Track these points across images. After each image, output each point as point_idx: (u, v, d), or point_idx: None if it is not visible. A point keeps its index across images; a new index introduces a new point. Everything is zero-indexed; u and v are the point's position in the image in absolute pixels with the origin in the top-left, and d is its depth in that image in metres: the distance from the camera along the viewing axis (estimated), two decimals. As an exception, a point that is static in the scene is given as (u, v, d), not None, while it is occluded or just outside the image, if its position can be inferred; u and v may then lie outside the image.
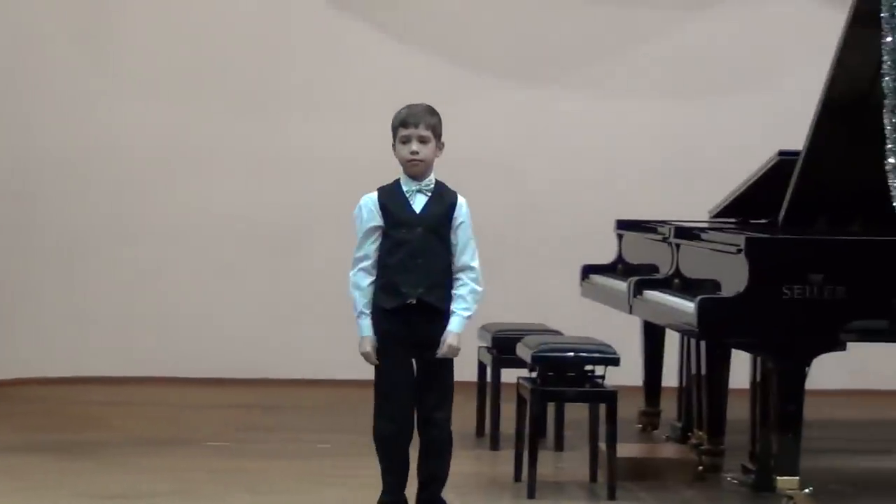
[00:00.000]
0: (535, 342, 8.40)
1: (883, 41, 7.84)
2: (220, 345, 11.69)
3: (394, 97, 11.21)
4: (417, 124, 7.17)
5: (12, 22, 11.43)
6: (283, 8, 11.92)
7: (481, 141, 11.37)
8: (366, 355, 7.11)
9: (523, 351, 8.44)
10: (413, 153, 7.11)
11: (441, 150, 7.20)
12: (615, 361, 8.26)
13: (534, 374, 8.27)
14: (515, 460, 8.26)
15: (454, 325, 7.10)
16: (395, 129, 7.26)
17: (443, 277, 7.11)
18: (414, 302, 7.02)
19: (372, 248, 7.17)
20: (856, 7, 7.99)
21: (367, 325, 7.12)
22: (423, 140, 7.12)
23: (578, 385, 8.23)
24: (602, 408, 8.15)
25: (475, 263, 7.20)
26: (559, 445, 9.16)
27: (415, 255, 7.07)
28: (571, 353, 8.26)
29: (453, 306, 7.12)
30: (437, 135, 7.18)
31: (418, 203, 7.12)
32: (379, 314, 7.11)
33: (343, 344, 11.40)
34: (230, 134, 11.85)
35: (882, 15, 7.85)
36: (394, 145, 7.25)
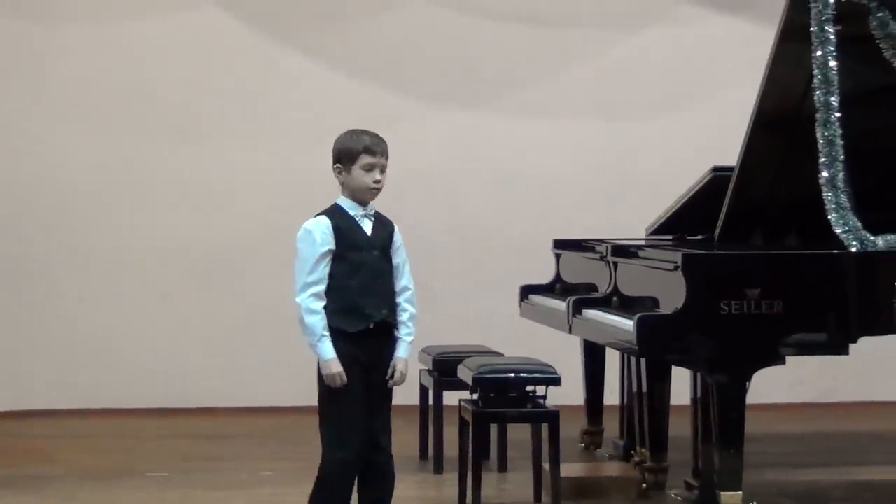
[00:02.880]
0: (476, 364, 8.41)
1: (813, 55, 7.95)
2: (162, 375, 11.67)
3: (328, 124, 11.24)
4: (383, 153, 7.14)
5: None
6: (215, 37, 11.92)
7: (417, 164, 11.38)
8: (337, 375, 6.93)
9: (464, 373, 8.46)
10: (376, 182, 7.07)
11: None
12: (556, 381, 8.28)
13: (475, 396, 8.29)
14: (459, 483, 8.24)
15: (402, 351, 7.10)
16: (356, 155, 7.11)
17: (395, 299, 7.13)
18: (374, 325, 7.00)
19: (325, 272, 7.06)
20: (786, 22, 8.06)
21: (330, 347, 6.96)
22: (384, 169, 7.10)
23: (520, 406, 8.26)
24: (544, 428, 8.16)
25: (412, 285, 7.22)
26: (503, 467, 9.15)
27: (375, 276, 7.05)
28: (512, 374, 8.29)
29: (399, 332, 7.11)
30: None
31: (367, 227, 7.10)
32: (337, 337, 6.97)
33: (283, 371, 11.51)
34: (165, 164, 11.86)
35: (812, 29, 7.96)
36: (344, 169, 7.14)
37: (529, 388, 8.25)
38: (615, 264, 8.66)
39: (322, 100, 11.88)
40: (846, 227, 7.78)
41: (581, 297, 8.89)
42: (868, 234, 7.77)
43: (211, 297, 11.83)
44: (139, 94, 11.82)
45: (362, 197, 7.07)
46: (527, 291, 9.86)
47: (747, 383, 7.63)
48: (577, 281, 9.47)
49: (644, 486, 8.62)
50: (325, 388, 7.04)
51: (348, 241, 7.05)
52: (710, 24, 11.76)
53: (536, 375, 8.27)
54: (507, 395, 8.25)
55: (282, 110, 11.96)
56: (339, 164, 7.13)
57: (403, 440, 9.44)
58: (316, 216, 7.14)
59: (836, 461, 9.71)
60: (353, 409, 6.98)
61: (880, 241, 7.76)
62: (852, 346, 7.76)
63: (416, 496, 8.66)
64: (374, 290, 7.04)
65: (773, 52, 8.10)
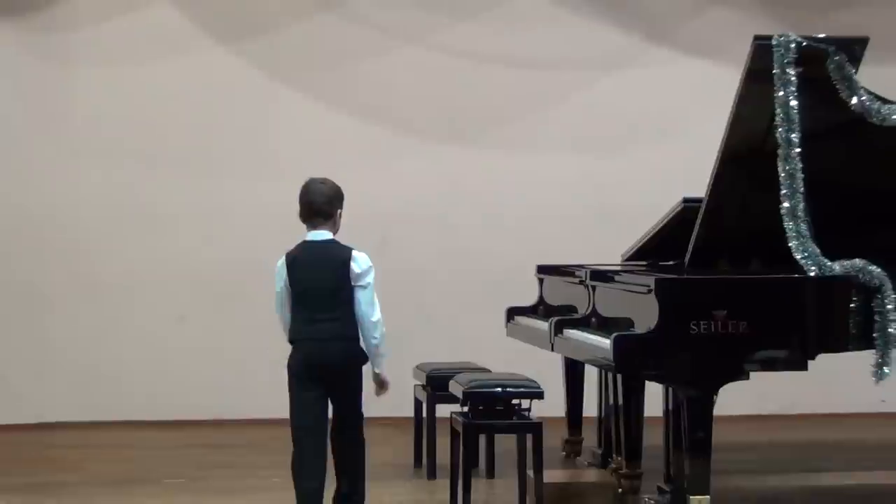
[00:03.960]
0: (466, 379, 8.48)
1: (776, 95, 7.99)
2: (174, 389, 11.68)
3: (327, 158, 11.45)
4: None
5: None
6: (222, 80, 11.94)
7: (410, 195, 11.45)
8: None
9: (455, 388, 8.51)
10: None
11: None
12: (539, 395, 8.35)
13: (465, 409, 8.33)
14: (451, 488, 8.29)
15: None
16: (343, 202, 7.91)
17: None
18: None
19: None
20: (750, 64, 8.09)
21: None
22: None
23: (507, 418, 8.31)
24: (529, 438, 8.20)
25: None
26: (490, 473, 9.22)
27: None
28: (499, 389, 8.35)
29: None
30: None
31: None
32: None
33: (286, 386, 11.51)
34: (175, 196, 11.86)
35: (774, 72, 8.00)
36: (340, 214, 7.84)
37: (515, 401, 8.30)
38: (593, 287, 8.68)
39: (322, 136, 11.92)
40: (805, 254, 7.83)
41: (562, 317, 8.88)
42: (826, 261, 7.80)
43: (221, 319, 11.85)
44: (151, 131, 11.86)
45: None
46: (512, 313, 9.88)
47: (714, 397, 7.64)
48: (558, 303, 9.51)
49: (620, 491, 8.64)
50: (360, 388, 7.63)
51: None
52: (680, 66, 11.84)
53: (521, 390, 8.34)
54: (494, 407, 8.30)
55: (283, 146, 11.97)
56: (340, 208, 7.80)
57: (399, 449, 9.63)
58: (358, 251, 7.65)
59: (796, 468, 9.77)
60: None
61: (837, 267, 7.79)
62: (811, 363, 7.78)
63: (410, 500, 8.75)
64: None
65: (739, 92, 8.12)
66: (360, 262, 7.60)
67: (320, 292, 7.65)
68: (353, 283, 7.60)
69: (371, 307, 7.63)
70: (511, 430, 8.37)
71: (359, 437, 7.75)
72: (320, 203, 7.77)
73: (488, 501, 8.61)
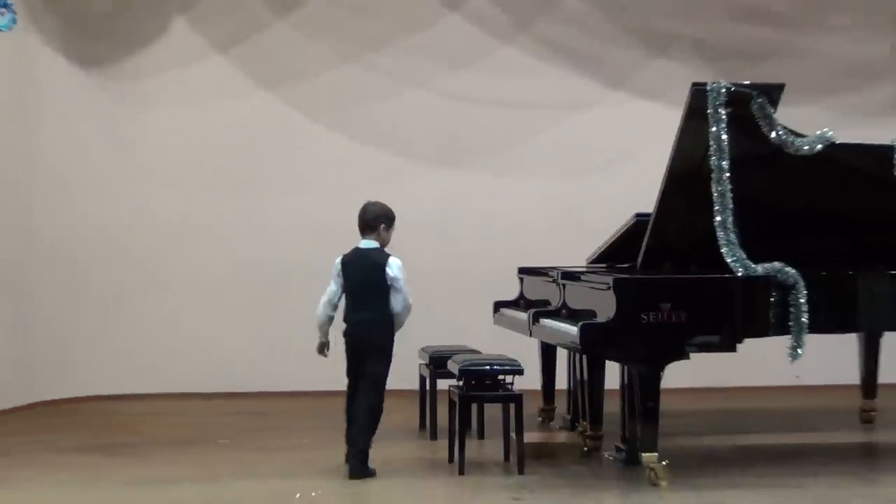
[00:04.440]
0: (462, 359, 8.50)
1: (710, 130, 8.06)
2: (225, 367, 11.67)
3: (346, 181, 11.51)
4: None
5: (63, 128, 11.48)
6: (263, 115, 11.91)
7: (416, 209, 11.33)
8: None
9: (453, 366, 8.54)
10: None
11: None
12: (520, 372, 8.39)
13: (461, 383, 8.36)
14: (449, 447, 8.34)
15: None
16: (392, 219, 8.37)
17: None
18: None
19: None
20: (689, 105, 8.14)
21: None
22: None
23: (494, 390, 8.34)
24: (511, 406, 8.20)
25: None
26: (481, 435, 9.20)
27: None
28: (488, 367, 8.38)
29: None
30: None
31: None
32: None
33: (314, 364, 11.52)
34: (226, 210, 11.86)
35: (708, 111, 8.07)
36: (383, 229, 8.32)
37: (500, 377, 8.33)
38: (564, 285, 8.72)
39: (343, 163, 11.94)
40: (734, 258, 7.91)
41: (538, 309, 8.94)
42: (751, 263, 7.89)
43: (260, 309, 11.83)
44: (206, 159, 11.87)
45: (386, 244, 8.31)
46: (498, 306, 9.91)
47: (661, 373, 7.75)
48: (535, 298, 9.50)
49: (585, 449, 8.71)
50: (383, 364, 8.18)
51: None
52: (633, 107, 11.87)
53: (505, 367, 8.37)
54: (484, 382, 8.33)
55: (312, 171, 11.97)
56: (383, 224, 8.23)
57: (407, 415, 9.63)
58: (392, 255, 8.21)
59: (727, 430, 9.82)
60: None
61: (759, 269, 7.89)
62: (739, 346, 7.86)
63: (416, 457, 8.75)
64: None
65: (680, 128, 8.18)
66: (393, 266, 8.18)
67: (362, 288, 8.24)
68: (388, 283, 8.13)
69: (400, 300, 8.21)
70: (497, 400, 8.37)
71: (373, 402, 8.10)
72: (368, 219, 8.30)
73: (479, 458, 8.55)
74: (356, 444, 8.09)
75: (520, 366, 8.45)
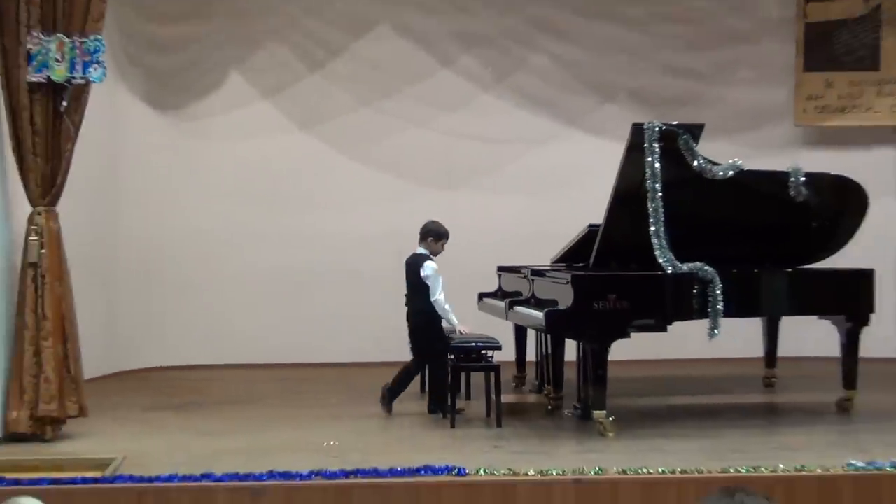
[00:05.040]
0: (454, 338, 8.51)
1: (646, 160, 8.08)
2: (267, 343, 11.63)
3: (364, 198, 11.49)
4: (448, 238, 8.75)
5: (143, 157, 11.47)
6: (299, 147, 11.89)
7: (416, 222, 11.29)
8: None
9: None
10: (442, 251, 8.75)
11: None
12: (499, 347, 8.43)
13: (452, 357, 8.41)
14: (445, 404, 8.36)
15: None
16: (440, 235, 8.70)
17: None
18: None
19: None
20: (630, 140, 8.15)
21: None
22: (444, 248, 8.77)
23: (478, 362, 8.37)
24: (492, 375, 8.23)
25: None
26: (468, 397, 9.15)
27: None
28: (474, 344, 8.40)
29: None
30: None
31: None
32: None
33: (339, 341, 11.51)
34: (271, 221, 11.82)
35: (645, 145, 8.09)
36: (430, 241, 8.68)
37: (484, 351, 8.37)
38: (532, 280, 8.73)
39: (361, 185, 11.90)
40: (665, 259, 7.93)
41: (513, 299, 8.98)
42: (678, 263, 7.90)
43: (296, 299, 11.80)
44: (255, 181, 11.84)
45: (437, 253, 8.74)
46: (482, 296, 9.94)
47: (608, 348, 7.76)
48: (510, 290, 9.51)
49: (549, 408, 8.74)
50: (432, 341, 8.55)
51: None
52: (587, 141, 11.83)
53: (488, 344, 8.40)
54: (470, 355, 8.37)
55: (336, 191, 11.92)
56: (431, 237, 8.59)
57: (413, 383, 9.59)
58: (429, 260, 8.59)
59: (660, 393, 9.82)
60: None
61: (685, 267, 7.89)
62: (669, 327, 7.94)
63: (418, 412, 8.76)
64: None
65: (623, 157, 8.20)
66: (425, 268, 8.56)
67: (410, 284, 8.73)
68: (423, 280, 8.46)
69: (433, 293, 8.51)
70: (481, 369, 8.38)
71: (440, 368, 8.57)
72: (421, 232, 8.81)
73: (467, 414, 8.55)
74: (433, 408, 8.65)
75: (498, 343, 8.47)
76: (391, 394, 8.70)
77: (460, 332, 8.51)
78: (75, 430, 7.90)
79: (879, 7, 11.62)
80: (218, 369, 11.36)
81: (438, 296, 8.49)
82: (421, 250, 8.70)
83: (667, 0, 12.12)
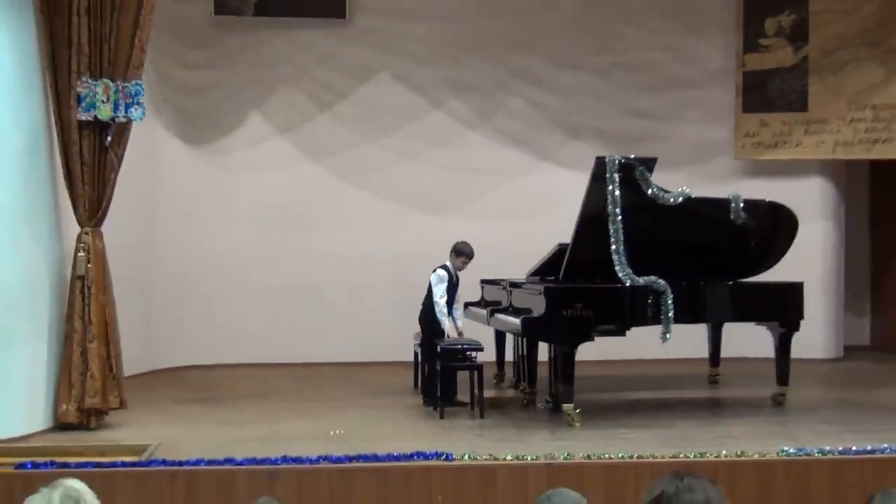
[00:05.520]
0: (442, 341, 8.47)
1: (608, 188, 8.09)
2: (283, 344, 11.54)
3: (367, 221, 11.45)
4: (471, 257, 8.70)
5: (177, 186, 11.43)
6: (312, 177, 11.82)
7: (412, 242, 11.44)
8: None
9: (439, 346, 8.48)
10: (463, 267, 8.71)
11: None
12: (481, 349, 8.39)
13: (446, 357, 8.36)
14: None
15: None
16: (464, 254, 8.67)
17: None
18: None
19: (444, 289, 8.56)
20: (594, 172, 8.16)
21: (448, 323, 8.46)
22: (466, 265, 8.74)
23: (464, 361, 8.32)
24: (475, 373, 8.22)
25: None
26: (455, 392, 8.98)
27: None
28: (460, 346, 8.37)
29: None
30: None
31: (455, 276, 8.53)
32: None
33: (344, 345, 11.44)
34: (285, 241, 11.72)
35: (606, 175, 8.10)
36: (452, 256, 8.70)
37: (468, 352, 8.33)
38: (511, 291, 8.76)
39: (364, 210, 11.84)
40: (624, 273, 7.94)
41: (494, 307, 8.99)
42: (636, 277, 7.92)
43: (309, 309, 11.68)
44: (272, 205, 11.74)
45: (459, 269, 8.70)
46: (468, 305, 9.79)
47: (575, 350, 7.77)
48: (492, 299, 9.48)
49: (525, 402, 8.74)
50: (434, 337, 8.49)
51: (452, 281, 8.51)
52: (558, 172, 11.78)
53: (471, 346, 8.36)
54: (457, 356, 8.33)
55: (342, 214, 11.83)
56: (453, 253, 8.61)
57: (406, 381, 9.58)
58: (440, 268, 8.64)
59: (620, 388, 9.78)
60: None
61: (641, 280, 7.91)
62: (628, 332, 7.95)
63: (412, 405, 8.73)
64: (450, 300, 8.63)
65: (588, 186, 8.21)
66: (433, 274, 8.53)
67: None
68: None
69: (434, 295, 8.56)
70: (466, 369, 8.35)
71: (434, 363, 8.49)
72: (451, 248, 8.77)
73: (454, 408, 8.50)
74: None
75: (480, 345, 8.43)
76: (428, 393, 8.64)
77: (448, 336, 8.46)
78: (116, 420, 7.89)
79: (807, 58, 11.66)
80: (239, 368, 11.26)
81: (438, 298, 8.47)
82: (445, 262, 8.72)
83: (626, 52, 12.12)
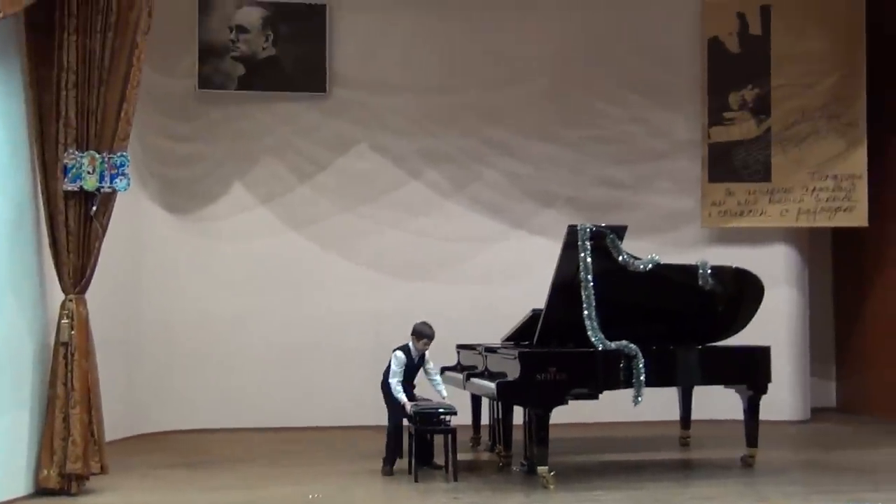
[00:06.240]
0: (417, 405, 8.40)
1: (580, 255, 8.11)
2: (266, 410, 11.48)
3: (347, 288, 11.42)
4: (432, 338, 8.53)
5: (162, 253, 11.39)
6: (291, 245, 11.82)
7: (391, 306, 11.41)
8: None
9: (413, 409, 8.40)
10: (425, 348, 8.54)
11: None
12: (455, 413, 8.28)
13: (420, 421, 8.29)
14: (409, 463, 8.26)
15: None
16: (424, 335, 8.51)
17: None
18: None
19: (400, 371, 8.43)
20: (566, 240, 8.18)
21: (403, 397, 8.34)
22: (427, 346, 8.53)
23: (438, 425, 8.26)
24: (449, 437, 8.12)
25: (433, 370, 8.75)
26: (432, 455, 8.92)
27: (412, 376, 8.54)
28: (433, 410, 8.29)
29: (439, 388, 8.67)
30: None
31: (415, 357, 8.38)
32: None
33: (327, 409, 11.34)
34: (267, 303, 11.68)
35: (578, 243, 8.13)
36: (413, 338, 8.50)
37: (442, 416, 8.25)
38: (486, 356, 8.71)
39: (342, 276, 11.82)
40: (596, 338, 7.93)
41: (470, 372, 8.93)
42: (607, 341, 7.91)
43: (292, 373, 11.61)
44: (254, 271, 11.72)
45: (420, 350, 8.47)
46: (444, 369, 9.69)
47: (549, 413, 7.71)
48: (468, 364, 9.42)
49: (500, 464, 8.64)
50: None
51: (410, 363, 8.46)
52: (531, 240, 11.83)
53: (445, 410, 8.27)
54: (431, 420, 8.25)
55: (321, 280, 11.80)
56: (413, 335, 8.40)
57: (382, 440, 9.45)
58: (397, 351, 8.50)
59: (593, 451, 9.71)
60: None
61: (613, 345, 7.91)
62: (601, 395, 7.93)
63: (379, 468, 8.55)
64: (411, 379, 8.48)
65: (561, 253, 8.21)
66: (393, 356, 8.50)
67: None
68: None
69: (390, 375, 8.47)
70: (440, 432, 8.29)
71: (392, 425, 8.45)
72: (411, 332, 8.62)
73: (429, 470, 8.43)
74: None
75: (454, 409, 8.34)
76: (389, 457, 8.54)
77: (406, 409, 8.37)
78: (97, 485, 7.76)
79: (770, 130, 11.83)
80: (221, 432, 11.16)
81: (390, 378, 8.43)
82: (407, 343, 8.60)
83: (598, 125, 12.27)
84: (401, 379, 8.45)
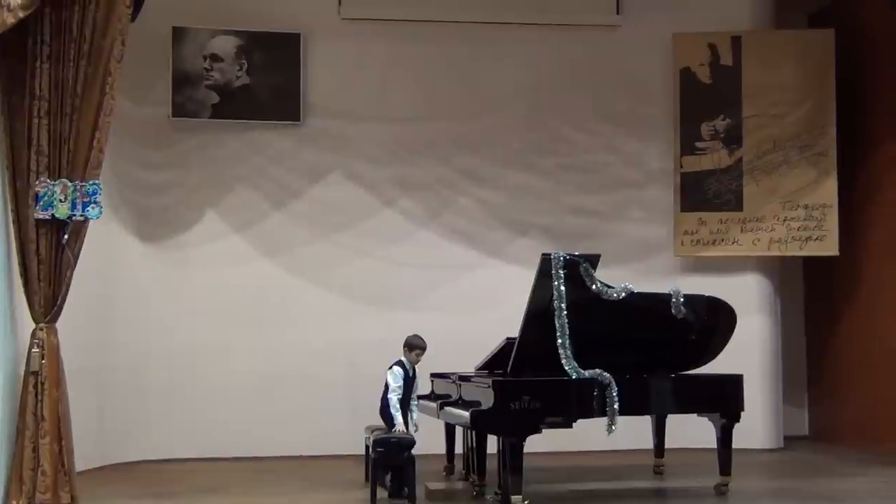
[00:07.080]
0: (376, 435, 8.41)
1: (553, 283, 8.14)
2: (236, 439, 11.42)
3: (324, 318, 11.39)
4: (424, 349, 8.64)
5: (134, 282, 11.36)
6: (267, 274, 11.84)
7: (367, 336, 11.39)
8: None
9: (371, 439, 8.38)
10: (418, 359, 8.67)
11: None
12: (413, 444, 8.33)
13: (379, 451, 8.27)
14: (371, 491, 8.26)
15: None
16: (416, 346, 8.63)
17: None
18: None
19: (399, 387, 8.50)
20: (540, 268, 8.21)
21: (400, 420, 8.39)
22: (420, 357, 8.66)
23: (399, 454, 8.27)
24: (409, 467, 8.13)
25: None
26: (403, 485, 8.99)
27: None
28: (391, 440, 8.30)
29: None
30: None
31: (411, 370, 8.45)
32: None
33: (297, 438, 11.29)
34: (240, 333, 11.64)
35: (552, 272, 8.16)
36: (405, 350, 8.62)
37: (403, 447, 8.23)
38: (460, 385, 8.70)
39: (315, 305, 11.82)
40: (570, 366, 7.94)
41: (444, 400, 8.91)
42: (581, 370, 7.93)
43: (264, 402, 11.57)
44: (227, 300, 11.70)
45: (414, 362, 8.56)
46: (418, 398, 9.68)
47: (524, 442, 7.71)
48: (442, 392, 9.41)
49: (475, 493, 8.59)
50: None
51: (408, 378, 8.52)
52: (505, 268, 11.87)
53: (403, 441, 8.30)
54: (394, 450, 8.27)
55: (295, 309, 11.77)
56: (406, 347, 8.51)
57: (357, 473, 9.42)
58: (396, 365, 8.60)
59: (567, 479, 9.73)
60: None
61: (587, 373, 7.93)
62: (574, 424, 7.94)
63: (362, 497, 8.49)
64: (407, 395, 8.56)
65: (535, 282, 8.25)
66: (389, 373, 8.55)
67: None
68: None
69: (389, 391, 8.52)
70: (400, 462, 8.32)
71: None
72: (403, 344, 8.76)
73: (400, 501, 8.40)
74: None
75: (413, 439, 8.36)
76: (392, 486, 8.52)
77: (396, 431, 8.37)
78: (67, 516, 7.68)
79: (741, 160, 11.97)
80: (193, 462, 11.07)
81: (391, 394, 8.43)
82: (401, 357, 8.69)
83: (571, 153, 12.38)
84: (400, 395, 8.48)
